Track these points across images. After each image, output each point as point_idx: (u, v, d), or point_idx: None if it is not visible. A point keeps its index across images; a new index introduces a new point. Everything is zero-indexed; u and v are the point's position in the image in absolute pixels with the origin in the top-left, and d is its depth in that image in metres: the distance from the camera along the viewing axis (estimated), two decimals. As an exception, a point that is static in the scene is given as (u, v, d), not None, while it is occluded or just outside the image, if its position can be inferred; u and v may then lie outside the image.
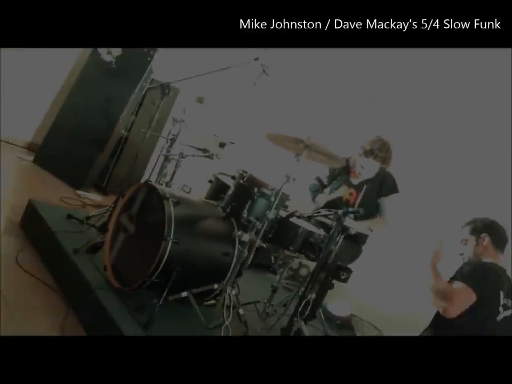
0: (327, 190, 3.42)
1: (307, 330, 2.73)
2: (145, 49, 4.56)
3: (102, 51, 4.66)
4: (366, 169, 3.28)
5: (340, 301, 3.62)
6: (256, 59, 3.00)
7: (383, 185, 3.34)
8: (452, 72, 3.49)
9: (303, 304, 2.70)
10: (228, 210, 2.68)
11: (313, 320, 3.15)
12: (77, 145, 4.52)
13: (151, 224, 2.65)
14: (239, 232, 2.56)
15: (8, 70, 4.53)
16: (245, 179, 2.68)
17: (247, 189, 2.64)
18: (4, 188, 3.70)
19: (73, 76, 4.87)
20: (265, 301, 3.03)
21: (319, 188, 3.48)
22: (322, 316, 3.35)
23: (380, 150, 3.18)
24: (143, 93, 4.56)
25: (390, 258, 3.84)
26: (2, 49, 4.23)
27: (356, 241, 3.20)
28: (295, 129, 2.71)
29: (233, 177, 2.80)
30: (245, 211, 2.60)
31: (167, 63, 4.66)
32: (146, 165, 4.91)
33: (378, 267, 3.89)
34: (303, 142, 2.51)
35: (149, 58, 4.55)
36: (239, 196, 2.68)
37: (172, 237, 2.50)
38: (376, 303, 3.80)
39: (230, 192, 2.73)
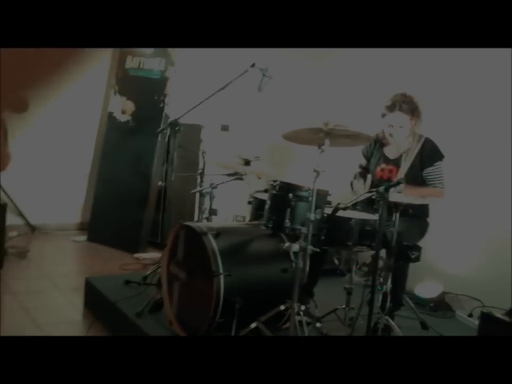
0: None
1: (395, 325, 2.50)
2: (156, 97, 4.56)
3: (116, 113, 4.72)
4: (396, 126, 2.89)
5: (426, 282, 3.33)
6: (252, 65, 2.86)
7: (424, 153, 2.94)
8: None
9: (380, 298, 2.48)
10: (270, 225, 2.50)
11: (403, 310, 2.92)
12: (122, 211, 4.55)
13: (198, 264, 2.52)
14: (287, 244, 2.38)
15: (39, 158, 4.67)
16: (277, 188, 2.51)
17: (282, 197, 2.46)
18: (64, 274, 3.76)
19: (99, 147, 4.95)
20: (343, 306, 2.81)
21: (359, 174, 3.17)
22: (411, 303, 3.09)
23: (404, 102, 2.86)
24: (166, 140, 4.53)
25: (465, 220, 3.52)
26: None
27: (418, 215, 2.89)
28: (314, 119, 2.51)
29: (266, 191, 2.64)
30: (287, 220, 2.42)
31: (180, 103, 4.63)
32: (194, 205, 4.87)
33: (457, 233, 3.57)
34: (322, 130, 2.32)
35: (161, 105, 4.54)
36: (276, 207, 2.50)
37: (221, 270, 2.37)
38: (466, 271, 3.46)
39: (266, 206, 2.56)
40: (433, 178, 2.93)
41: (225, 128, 5.18)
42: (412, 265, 2.73)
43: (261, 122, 4.97)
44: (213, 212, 4.84)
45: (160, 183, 4.59)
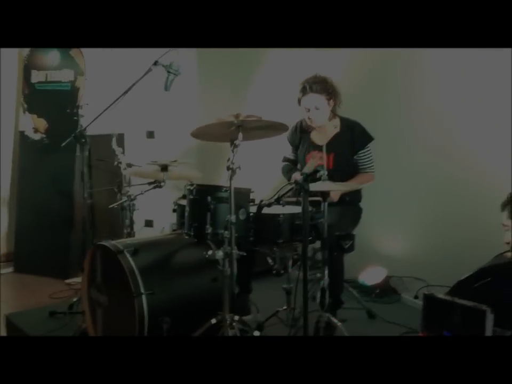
0: (299, 165, 2.99)
1: (337, 320, 2.36)
2: (68, 110, 4.26)
3: (28, 131, 4.38)
4: (312, 108, 2.75)
5: (369, 269, 3.22)
6: (155, 63, 2.64)
7: (355, 137, 2.81)
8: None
9: (319, 294, 2.33)
10: (192, 233, 2.30)
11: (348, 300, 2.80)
12: (47, 235, 4.22)
13: (118, 286, 2.30)
14: (210, 252, 2.19)
15: None
16: (194, 192, 2.31)
17: (201, 201, 2.26)
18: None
19: (16, 170, 4.59)
20: (284, 308, 2.65)
21: (292, 166, 3.04)
22: (355, 293, 2.98)
23: (315, 82, 2.73)
24: (86, 154, 4.25)
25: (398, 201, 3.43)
26: None
27: (349, 203, 2.76)
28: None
29: (184, 196, 2.44)
30: (207, 226, 2.23)
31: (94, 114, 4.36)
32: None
33: (394, 215, 3.48)
34: (233, 123, 2.14)
35: (75, 117, 4.24)
36: (196, 212, 2.30)
37: (142, 290, 2.16)
38: (408, 252, 3.38)
39: (186, 213, 2.36)
40: (365, 162, 2.82)
41: (150, 135, 4.93)
42: (354, 254, 2.60)
43: (187, 125, 4.75)
44: (148, 224, 4.58)
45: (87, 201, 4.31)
